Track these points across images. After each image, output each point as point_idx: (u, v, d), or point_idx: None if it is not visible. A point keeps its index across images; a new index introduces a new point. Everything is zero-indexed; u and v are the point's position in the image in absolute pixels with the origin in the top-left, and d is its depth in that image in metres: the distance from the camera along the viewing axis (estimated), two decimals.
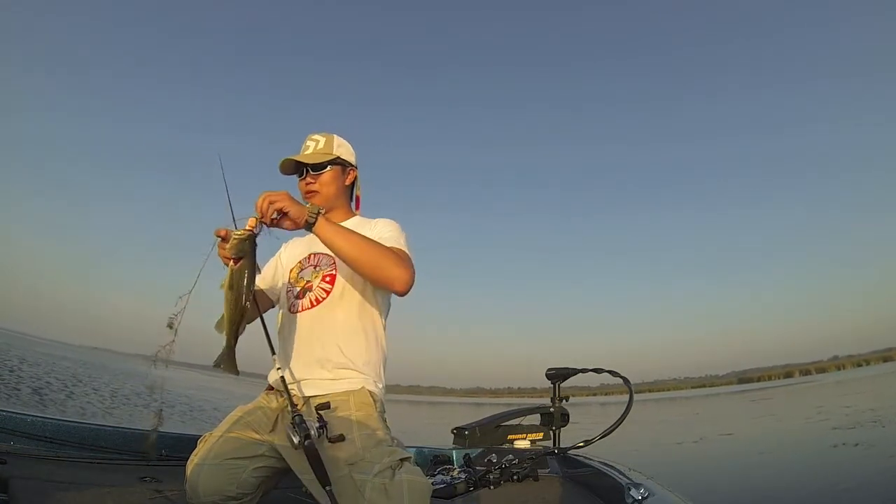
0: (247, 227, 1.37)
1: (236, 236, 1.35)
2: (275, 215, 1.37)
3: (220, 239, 1.39)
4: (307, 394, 1.56)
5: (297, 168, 1.76)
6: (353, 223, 1.72)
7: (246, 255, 1.37)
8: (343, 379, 1.56)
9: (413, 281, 1.50)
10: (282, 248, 1.89)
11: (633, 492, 1.65)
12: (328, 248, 1.47)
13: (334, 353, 1.58)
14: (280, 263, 1.84)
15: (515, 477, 2.07)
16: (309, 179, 1.73)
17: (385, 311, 1.73)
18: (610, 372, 2.42)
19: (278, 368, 1.50)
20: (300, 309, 1.64)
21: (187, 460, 1.49)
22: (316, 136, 1.79)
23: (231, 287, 1.37)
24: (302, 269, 1.73)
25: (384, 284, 1.51)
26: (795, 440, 10.48)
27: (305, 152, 1.77)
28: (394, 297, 1.74)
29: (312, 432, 1.34)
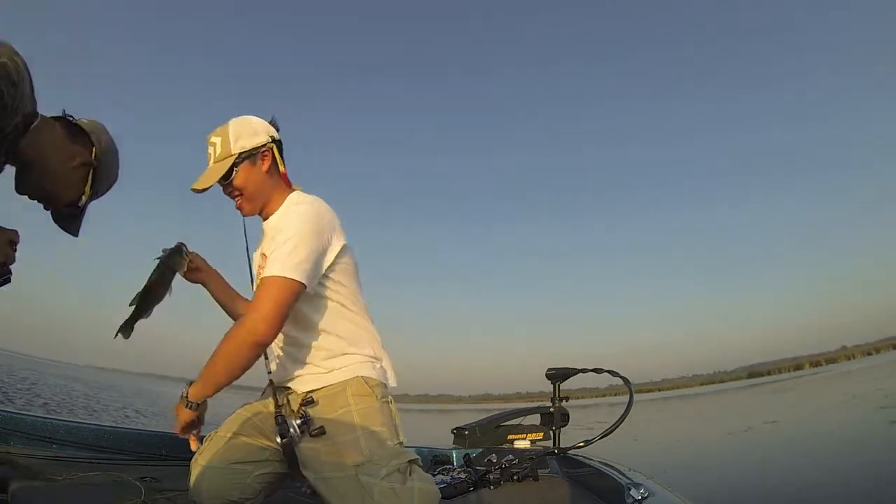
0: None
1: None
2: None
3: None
4: (302, 390, 1.53)
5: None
6: (279, 215, 1.57)
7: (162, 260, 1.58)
8: (334, 370, 1.51)
9: (264, 328, 1.34)
10: None
11: (633, 492, 1.65)
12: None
13: (314, 346, 1.52)
14: None
15: (515, 477, 2.06)
16: (227, 189, 1.56)
17: (348, 286, 1.57)
18: (610, 372, 2.41)
19: (269, 373, 1.51)
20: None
21: (187, 460, 1.50)
22: (212, 139, 1.57)
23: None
24: (259, 272, 1.63)
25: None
26: (846, 423, 10.50)
27: (209, 161, 1.57)
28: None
29: (292, 430, 1.37)
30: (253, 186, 1.55)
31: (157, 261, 1.57)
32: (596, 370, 2.45)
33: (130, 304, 1.56)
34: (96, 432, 2.12)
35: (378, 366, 1.57)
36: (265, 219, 1.61)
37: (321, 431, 1.39)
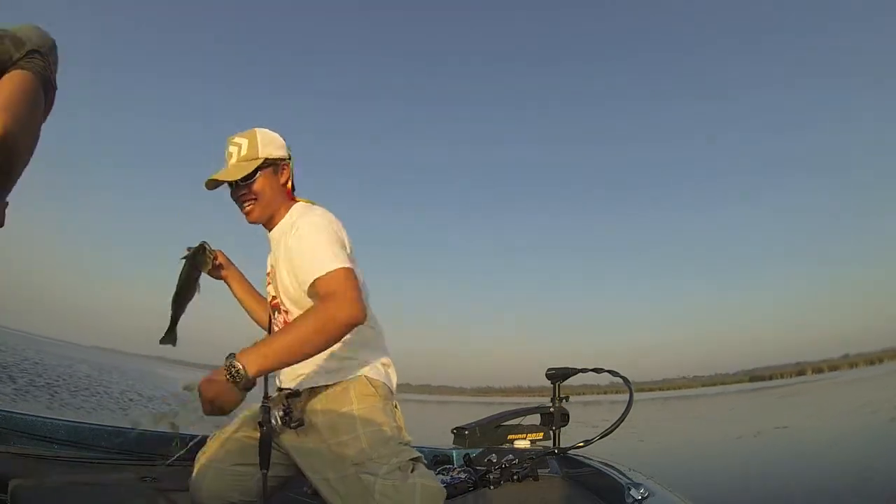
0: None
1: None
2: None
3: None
4: (305, 386, 1.50)
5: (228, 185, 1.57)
6: (285, 225, 1.57)
7: (188, 259, 1.64)
8: (337, 370, 1.49)
9: (356, 309, 1.30)
10: None
11: (633, 492, 1.66)
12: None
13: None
14: None
15: (515, 477, 2.05)
16: (241, 191, 1.54)
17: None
18: (610, 371, 2.41)
19: None
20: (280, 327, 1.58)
21: (187, 460, 1.50)
22: (237, 140, 1.56)
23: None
24: (269, 284, 1.65)
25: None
26: (857, 432, 10.47)
27: (229, 160, 1.55)
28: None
29: (273, 420, 1.36)
30: (270, 194, 1.55)
31: (183, 260, 1.64)
32: (596, 370, 2.44)
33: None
34: (96, 432, 2.12)
35: (382, 369, 1.54)
36: (270, 229, 1.61)
37: (300, 424, 1.39)
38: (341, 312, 1.29)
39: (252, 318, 1.78)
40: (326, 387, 1.48)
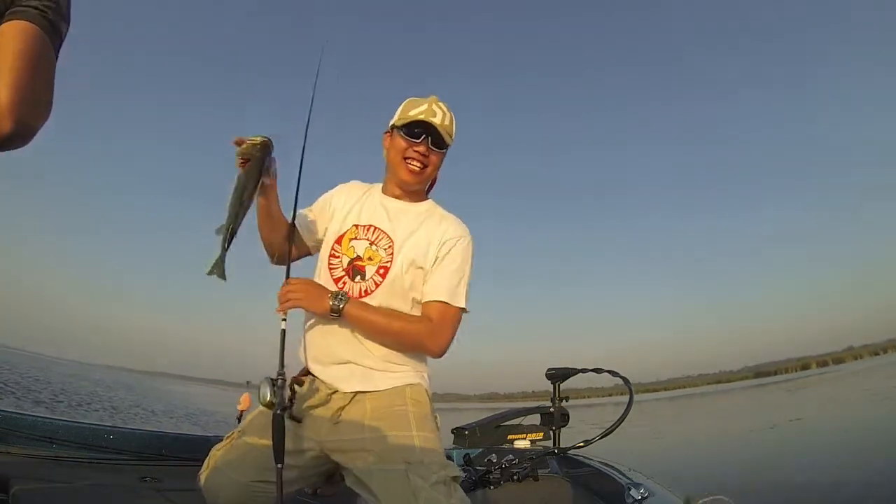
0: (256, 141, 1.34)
1: (250, 140, 1.34)
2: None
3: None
4: (354, 389, 1.46)
5: (413, 129, 1.54)
6: (424, 208, 1.62)
7: (253, 159, 1.33)
8: (396, 372, 1.48)
9: (445, 347, 1.48)
10: (335, 191, 1.68)
11: (633, 492, 1.66)
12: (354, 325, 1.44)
13: (376, 344, 1.47)
14: (331, 209, 1.64)
15: (515, 477, 2.05)
16: (424, 149, 1.54)
17: None
18: (610, 372, 2.40)
19: (284, 319, 1.41)
20: (348, 293, 1.47)
21: (187, 460, 1.47)
22: (443, 106, 1.56)
23: (234, 190, 1.33)
24: (356, 238, 1.55)
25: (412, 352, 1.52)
26: (870, 419, 10.69)
27: (432, 118, 1.53)
28: None
29: (282, 399, 1.30)
30: (435, 174, 1.63)
31: (239, 157, 1.35)
32: (596, 370, 2.44)
33: (219, 231, 1.33)
34: (96, 432, 2.13)
35: (429, 381, 1.56)
36: (398, 196, 1.63)
37: (298, 420, 1.38)
38: (433, 344, 1.48)
39: (263, 234, 1.56)
40: (377, 392, 1.46)
